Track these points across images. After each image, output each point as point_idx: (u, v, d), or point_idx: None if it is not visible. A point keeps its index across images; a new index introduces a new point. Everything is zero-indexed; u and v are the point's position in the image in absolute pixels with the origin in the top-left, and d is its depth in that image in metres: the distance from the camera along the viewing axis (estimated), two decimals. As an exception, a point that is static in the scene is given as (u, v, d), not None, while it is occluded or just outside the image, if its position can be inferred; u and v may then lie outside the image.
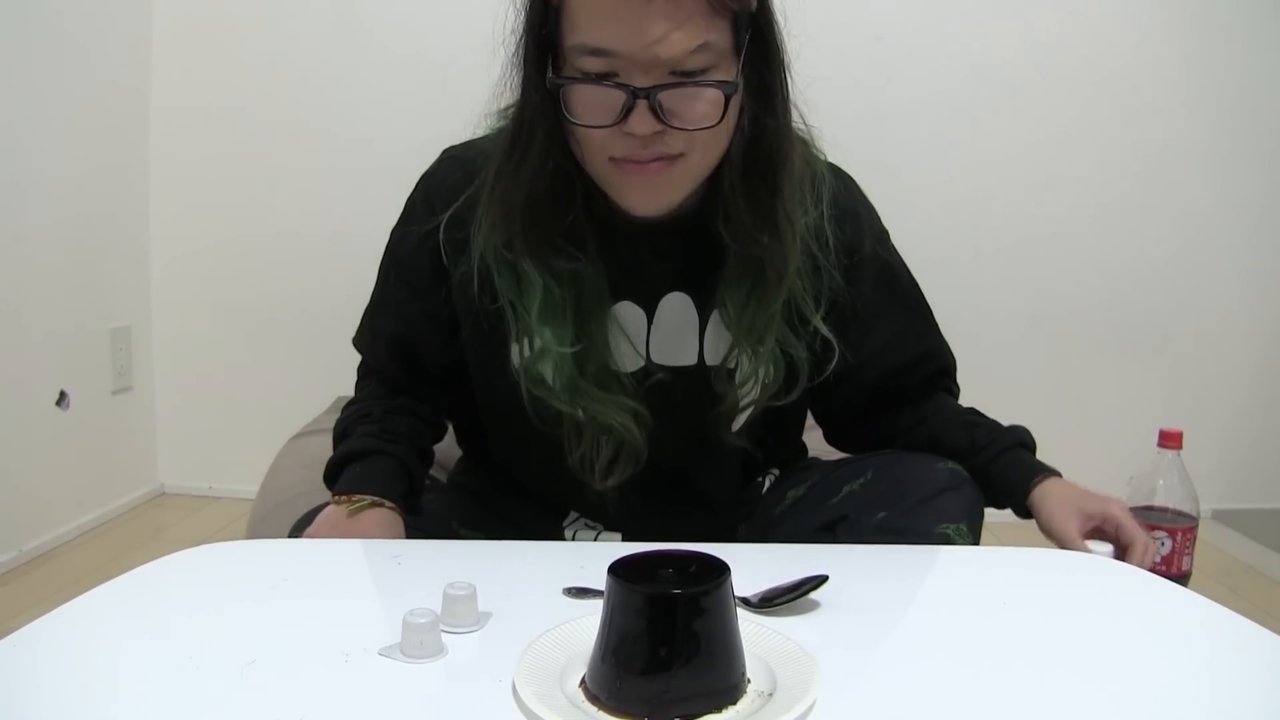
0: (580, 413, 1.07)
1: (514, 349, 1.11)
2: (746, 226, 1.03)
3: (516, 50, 1.00)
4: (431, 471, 1.63)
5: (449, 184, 1.12)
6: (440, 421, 1.26)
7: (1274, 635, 0.81)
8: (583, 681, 0.68)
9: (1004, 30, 2.60)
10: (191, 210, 2.68)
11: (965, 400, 1.30)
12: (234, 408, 2.74)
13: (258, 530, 1.57)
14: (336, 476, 1.12)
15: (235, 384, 2.74)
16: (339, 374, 2.40)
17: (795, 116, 1.06)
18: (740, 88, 0.96)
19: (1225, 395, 2.77)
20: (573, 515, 1.23)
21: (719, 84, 0.94)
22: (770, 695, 0.67)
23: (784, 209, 1.05)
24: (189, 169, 2.65)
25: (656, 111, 0.92)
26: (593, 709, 0.65)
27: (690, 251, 1.10)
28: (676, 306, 1.12)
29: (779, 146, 1.02)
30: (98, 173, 2.49)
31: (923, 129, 2.58)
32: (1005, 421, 1.27)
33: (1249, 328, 2.76)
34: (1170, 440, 1.49)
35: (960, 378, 1.29)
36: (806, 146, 1.10)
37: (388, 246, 1.21)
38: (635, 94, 0.91)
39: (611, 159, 0.98)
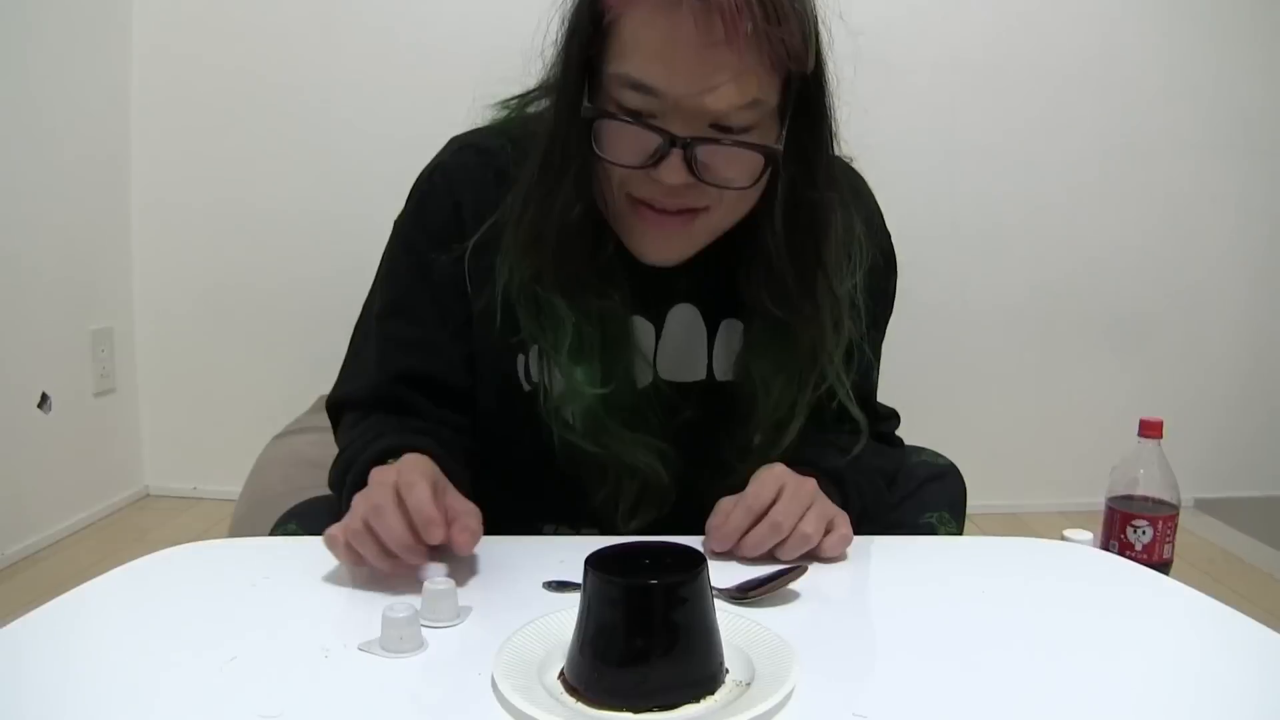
0: (604, 451, 1.00)
1: (520, 361, 1.05)
2: (790, 294, 0.98)
3: (556, 65, 0.95)
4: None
5: (471, 176, 1.04)
6: (464, 434, 1.09)
7: (1254, 622, 0.82)
8: (561, 673, 0.69)
9: (980, 19, 2.61)
10: (173, 211, 2.66)
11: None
12: (218, 408, 2.73)
13: (240, 529, 1.57)
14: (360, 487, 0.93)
15: (219, 384, 2.73)
16: (322, 373, 2.39)
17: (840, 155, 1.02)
18: (780, 154, 0.91)
19: (1206, 385, 2.79)
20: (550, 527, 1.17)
21: (762, 148, 0.89)
22: (748, 685, 0.67)
23: (825, 282, 1.00)
24: (170, 169, 2.64)
25: (691, 163, 0.88)
26: (571, 700, 0.66)
27: (697, 263, 1.02)
28: (684, 319, 1.07)
29: (821, 216, 0.98)
30: (77, 173, 2.47)
31: (900, 120, 2.59)
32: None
33: (1229, 317, 2.78)
34: (1151, 430, 1.49)
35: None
36: (845, 205, 1.04)
37: (400, 250, 1.09)
38: (674, 142, 0.87)
39: (630, 197, 0.93)
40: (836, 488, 1.02)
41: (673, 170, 0.88)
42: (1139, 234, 2.72)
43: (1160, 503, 1.47)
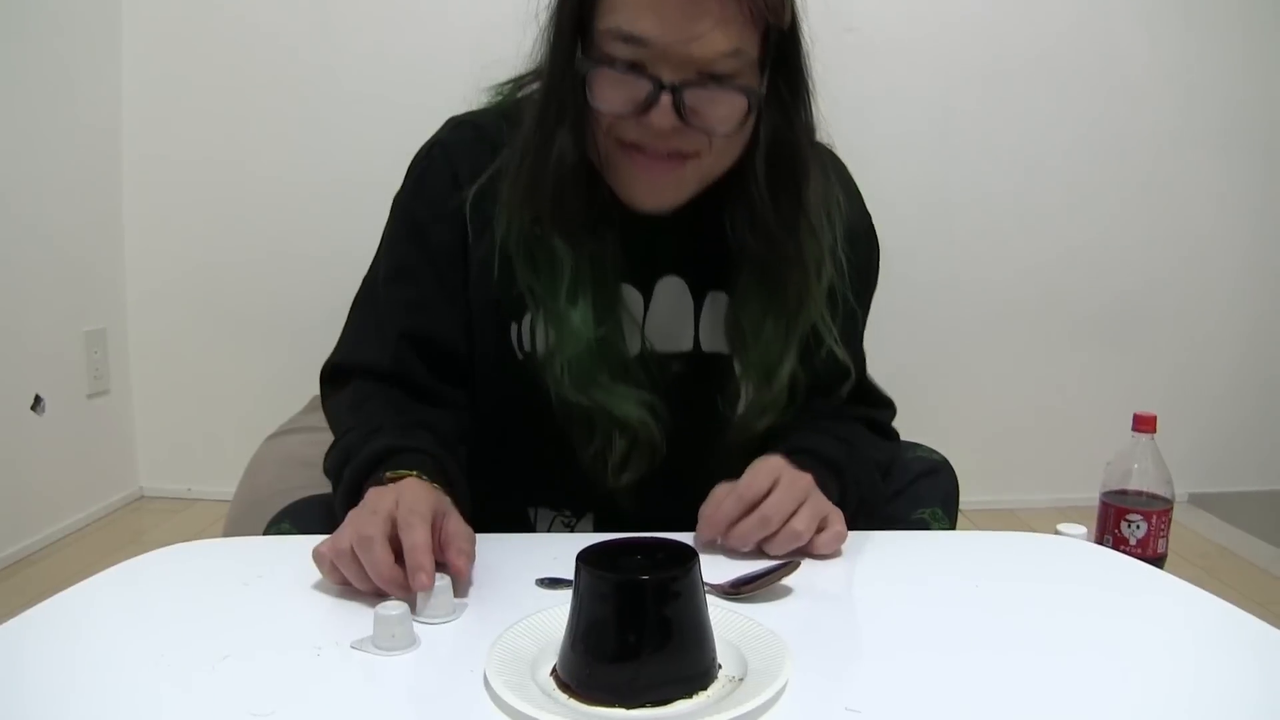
0: (593, 403, 1.03)
1: (514, 331, 1.08)
2: (774, 231, 1.02)
3: (550, 24, 0.99)
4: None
5: (469, 150, 1.08)
6: (463, 418, 1.10)
7: (1249, 615, 0.82)
8: (554, 670, 0.68)
9: (971, 13, 2.61)
10: (165, 212, 2.66)
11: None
12: (212, 409, 2.73)
13: (235, 530, 1.56)
14: (357, 490, 0.93)
15: (213, 385, 2.73)
16: (315, 373, 2.38)
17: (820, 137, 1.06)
18: (762, 99, 0.96)
19: (1200, 379, 2.79)
20: (539, 508, 1.19)
21: (744, 89, 0.94)
22: (741, 680, 0.67)
23: (807, 223, 1.04)
24: (162, 171, 2.64)
25: (679, 108, 0.92)
26: (564, 697, 0.66)
27: (686, 235, 1.07)
28: (672, 290, 1.10)
29: (801, 161, 1.02)
30: (70, 175, 2.47)
31: (894, 118, 2.59)
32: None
33: (1223, 312, 2.78)
34: (1144, 424, 1.50)
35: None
36: (825, 171, 1.09)
37: (399, 221, 1.12)
38: (661, 87, 0.91)
39: (621, 143, 0.98)
40: (835, 478, 1.03)
41: (663, 115, 0.92)
42: (1132, 228, 2.72)
43: (1154, 497, 1.48)
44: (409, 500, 0.84)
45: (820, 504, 0.96)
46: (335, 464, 1.01)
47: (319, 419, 1.87)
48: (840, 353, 1.09)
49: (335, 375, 1.12)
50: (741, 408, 1.09)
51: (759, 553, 0.93)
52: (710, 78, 0.92)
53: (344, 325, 1.15)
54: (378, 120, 2.50)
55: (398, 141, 1.20)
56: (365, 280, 1.15)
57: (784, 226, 1.03)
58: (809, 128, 1.04)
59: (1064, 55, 2.63)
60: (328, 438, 1.09)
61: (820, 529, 0.94)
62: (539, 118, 1.00)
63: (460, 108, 1.17)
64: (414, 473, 0.91)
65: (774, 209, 1.02)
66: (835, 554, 0.95)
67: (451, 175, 1.07)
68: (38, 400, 2.35)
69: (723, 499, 0.95)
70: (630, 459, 1.06)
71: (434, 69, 2.45)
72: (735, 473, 1.02)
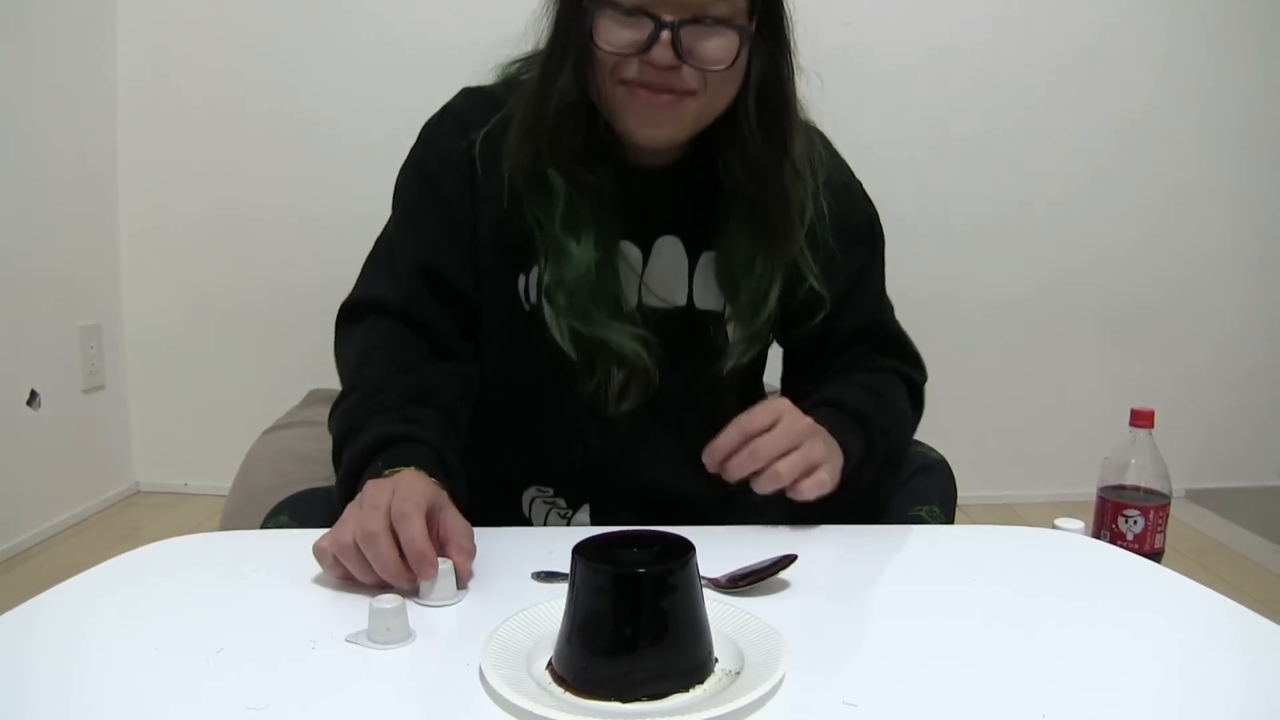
0: (592, 335, 1.10)
1: (521, 282, 1.14)
2: (763, 169, 1.10)
3: None
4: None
5: (478, 112, 1.15)
6: (470, 375, 1.15)
7: (1246, 609, 0.82)
8: (550, 664, 0.68)
9: (974, 11, 2.61)
10: (161, 206, 2.65)
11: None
12: (208, 403, 2.72)
13: (231, 524, 1.56)
14: (356, 478, 0.95)
15: (208, 379, 2.72)
16: (312, 367, 2.38)
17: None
18: (752, 38, 1.04)
19: (1198, 375, 2.79)
20: (530, 494, 1.21)
21: (737, 28, 1.01)
22: (738, 674, 0.67)
23: (792, 165, 1.11)
24: (158, 165, 2.63)
25: (677, 46, 0.99)
26: (560, 691, 0.65)
27: (682, 195, 1.15)
28: (668, 249, 1.16)
29: (786, 104, 1.10)
30: (65, 170, 2.46)
31: (893, 111, 2.59)
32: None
33: (1221, 307, 2.78)
34: (1142, 419, 1.50)
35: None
36: (807, 131, 1.16)
37: (410, 172, 1.18)
38: (661, 26, 0.98)
39: (623, 82, 1.03)
40: (860, 428, 1.08)
41: (663, 52, 0.99)
42: (1129, 225, 2.71)
43: (1151, 492, 1.48)
44: (404, 493, 0.85)
45: (814, 451, 1.00)
46: (339, 431, 1.04)
47: (315, 414, 1.88)
48: (820, 288, 1.16)
49: (350, 313, 1.17)
50: (730, 344, 1.17)
51: (755, 552, 0.92)
52: (706, 19, 1.00)
53: (360, 271, 1.20)
54: (373, 115, 2.49)
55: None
56: (379, 237, 1.20)
57: (772, 166, 1.10)
58: (792, 78, 1.11)
59: (1067, 54, 2.62)
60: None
61: (807, 474, 0.99)
62: (544, 60, 1.08)
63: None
64: (410, 466, 0.92)
65: (764, 147, 1.09)
66: (809, 499, 0.98)
67: (462, 130, 1.14)
68: (33, 395, 2.35)
69: (726, 431, 1.01)
70: (628, 389, 1.13)
71: (430, 65, 2.45)
72: (714, 421, 1.06)
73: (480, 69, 1.19)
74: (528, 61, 1.16)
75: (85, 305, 2.56)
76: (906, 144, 2.61)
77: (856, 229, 1.22)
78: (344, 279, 1.18)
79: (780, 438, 0.99)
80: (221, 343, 2.70)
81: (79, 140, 2.51)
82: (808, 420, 1.02)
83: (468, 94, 1.19)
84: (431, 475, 0.92)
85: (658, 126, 1.06)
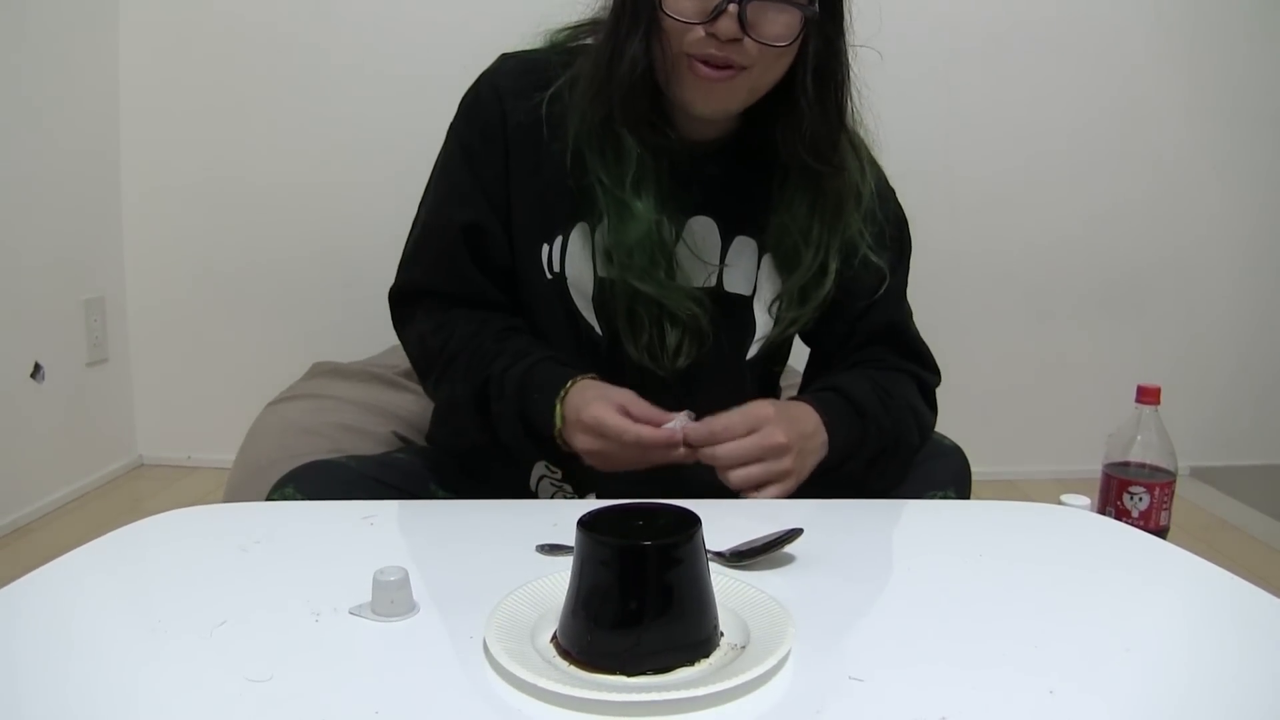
0: (653, 291, 1.13)
1: (544, 251, 1.17)
2: (820, 142, 1.12)
3: None
4: (406, 434, 1.63)
5: (514, 78, 1.18)
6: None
7: (1251, 586, 0.81)
8: (554, 637, 0.68)
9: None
10: (164, 179, 2.63)
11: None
12: (211, 377, 2.72)
13: (234, 497, 1.56)
14: (523, 411, 1.10)
15: (212, 353, 2.71)
16: (315, 340, 2.37)
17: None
18: (815, 16, 1.07)
19: (1204, 352, 2.78)
20: (539, 472, 1.21)
21: (801, 6, 1.04)
22: (743, 648, 0.67)
23: (848, 140, 1.16)
24: (161, 138, 2.61)
25: (742, 20, 1.01)
26: (564, 664, 0.65)
27: (722, 176, 1.18)
28: (703, 228, 1.19)
29: (842, 82, 1.14)
30: (68, 142, 2.44)
31: (894, 87, 2.56)
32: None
33: (1228, 284, 2.76)
34: (1148, 396, 1.49)
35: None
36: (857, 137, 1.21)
37: (453, 146, 1.22)
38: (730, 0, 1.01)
39: (685, 55, 1.06)
40: (856, 416, 1.13)
41: (727, 25, 1.02)
42: (1136, 200, 2.70)
43: (1157, 469, 1.47)
44: (588, 411, 1.03)
45: (779, 465, 1.03)
46: (473, 388, 1.13)
47: (319, 386, 1.87)
48: (875, 259, 1.19)
49: (402, 299, 1.23)
50: (776, 311, 1.21)
51: (762, 522, 0.92)
52: None
53: (404, 248, 1.24)
54: (378, 86, 2.47)
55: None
56: (421, 204, 1.24)
57: (830, 139, 1.13)
58: (847, 59, 1.14)
59: (1070, 27, 2.60)
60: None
61: (769, 480, 1.03)
62: (611, 30, 1.11)
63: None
64: (566, 385, 1.08)
65: (822, 121, 1.12)
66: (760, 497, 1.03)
67: (497, 101, 1.17)
68: (37, 368, 2.35)
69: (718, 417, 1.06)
70: (682, 346, 1.17)
71: (432, 45, 2.44)
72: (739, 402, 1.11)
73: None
74: (576, 30, 1.19)
75: (88, 278, 2.55)
76: (909, 118, 2.58)
77: (896, 236, 1.25)
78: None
79: (745, 450, 1.02)
80: (225, 316, 2.69)
81: (82, 112, 2.49)
82: (784, 440, 1.03)
83: (503, 59, 1.22)
84: (572, 378, 1.08)
85: (713, 99, 1.09)
